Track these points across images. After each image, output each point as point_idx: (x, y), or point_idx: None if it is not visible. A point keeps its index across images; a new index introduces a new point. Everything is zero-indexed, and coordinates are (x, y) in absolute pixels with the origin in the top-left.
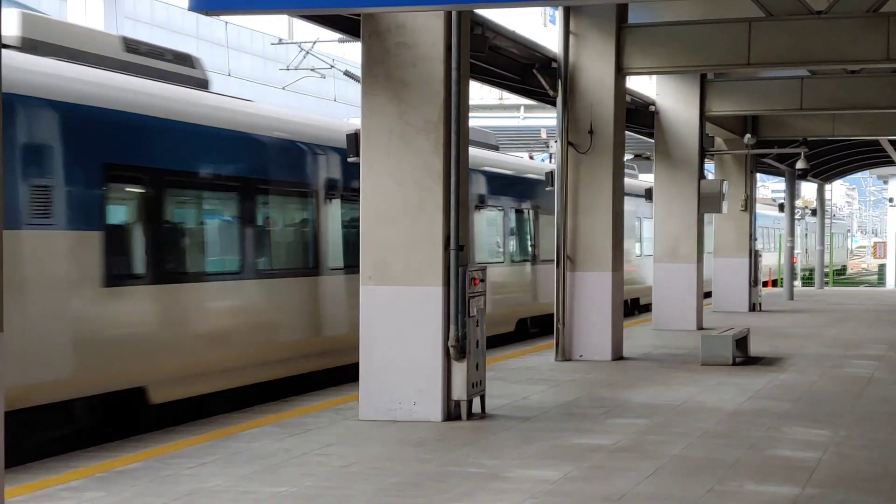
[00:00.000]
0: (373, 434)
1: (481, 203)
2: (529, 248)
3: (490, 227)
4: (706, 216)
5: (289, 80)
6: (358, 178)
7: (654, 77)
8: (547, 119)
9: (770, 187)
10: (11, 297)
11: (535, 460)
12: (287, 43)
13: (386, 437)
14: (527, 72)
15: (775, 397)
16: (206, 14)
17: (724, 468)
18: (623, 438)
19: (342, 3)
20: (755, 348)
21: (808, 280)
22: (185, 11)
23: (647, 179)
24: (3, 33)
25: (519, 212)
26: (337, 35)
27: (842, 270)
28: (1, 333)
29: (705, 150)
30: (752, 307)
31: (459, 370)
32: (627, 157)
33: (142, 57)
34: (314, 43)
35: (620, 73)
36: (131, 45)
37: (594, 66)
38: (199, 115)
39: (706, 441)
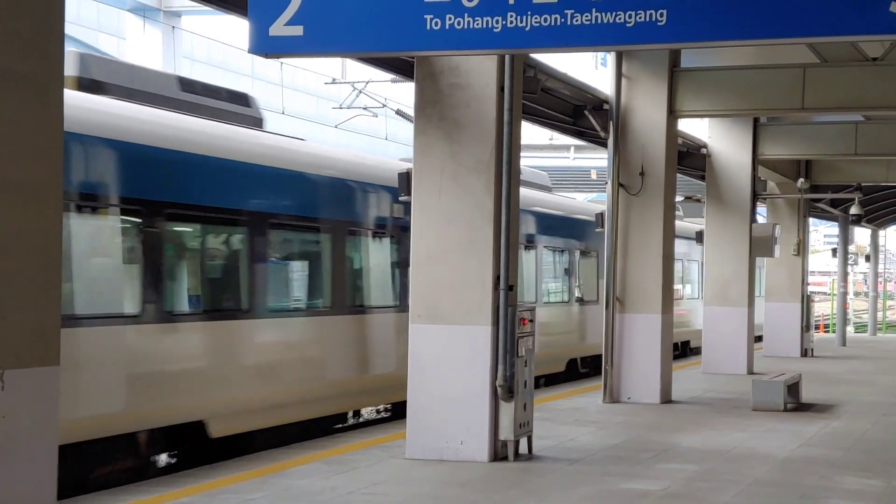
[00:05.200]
0: (419, 473)
1: None
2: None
3: None
4: (756, 260)
5: (341, 118)
6: None
7: (707, 120)
8: (597, 160)
9: (822, 232)
10: None
11: None
12: (340, 82)
13: (432, 477)
14: (578, 113)
15: (827, 445)
16: (265, 56)
17: None
18: (672, 484)
19: (397, 46)
20: (807, 394)
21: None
22: (240, 51)
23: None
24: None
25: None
26: (390, 76)
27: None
28: (57, 367)
29: (757, 194)
30: (804, 352)
31: (507, 410)
32: (678, 199)
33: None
34: (367, 83)
35: (672, 115)
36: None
37: (646, 109)
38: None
39: (757, 489)
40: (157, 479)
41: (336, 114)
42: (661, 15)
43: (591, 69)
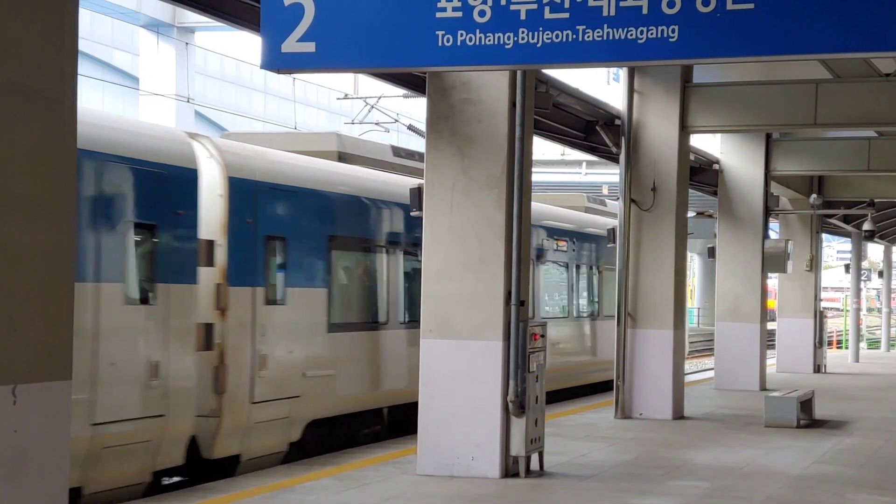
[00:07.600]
0: (430, 489)
1: None
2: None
3: None
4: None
5: (353, 133)
6: None
7: (719, 135)
8: (609, 175)
9: (835, 247)
10: None
11: None
12: (352, 98)
13: (443, 493)
14: (590, 128)
15: (840, 462)
16: (278, 72)
17: None
18: (684, 501)
19: (409, 61)
20: (820, 411)
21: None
22: (252, 66)
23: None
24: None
25: None
26: (402, 91)
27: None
28: (68, 381)
29: (770, 210)
30: (817, 368)
31: (518, 426)
32: (690, 214)
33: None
34: (379, 98)
35: (684, 130)
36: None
37: (658, 124)
38: None
39: None
40: (165, 495)
41: (348, 129)
42: (673, 31)
43: (602, 84)
